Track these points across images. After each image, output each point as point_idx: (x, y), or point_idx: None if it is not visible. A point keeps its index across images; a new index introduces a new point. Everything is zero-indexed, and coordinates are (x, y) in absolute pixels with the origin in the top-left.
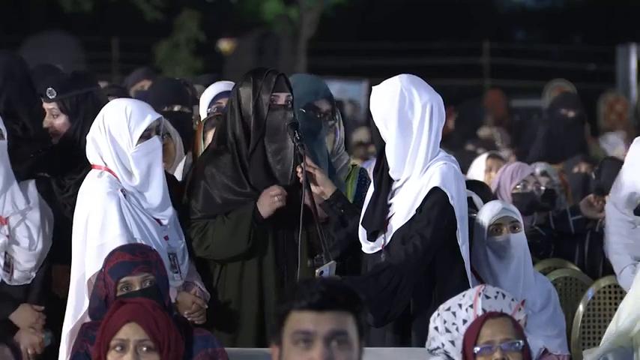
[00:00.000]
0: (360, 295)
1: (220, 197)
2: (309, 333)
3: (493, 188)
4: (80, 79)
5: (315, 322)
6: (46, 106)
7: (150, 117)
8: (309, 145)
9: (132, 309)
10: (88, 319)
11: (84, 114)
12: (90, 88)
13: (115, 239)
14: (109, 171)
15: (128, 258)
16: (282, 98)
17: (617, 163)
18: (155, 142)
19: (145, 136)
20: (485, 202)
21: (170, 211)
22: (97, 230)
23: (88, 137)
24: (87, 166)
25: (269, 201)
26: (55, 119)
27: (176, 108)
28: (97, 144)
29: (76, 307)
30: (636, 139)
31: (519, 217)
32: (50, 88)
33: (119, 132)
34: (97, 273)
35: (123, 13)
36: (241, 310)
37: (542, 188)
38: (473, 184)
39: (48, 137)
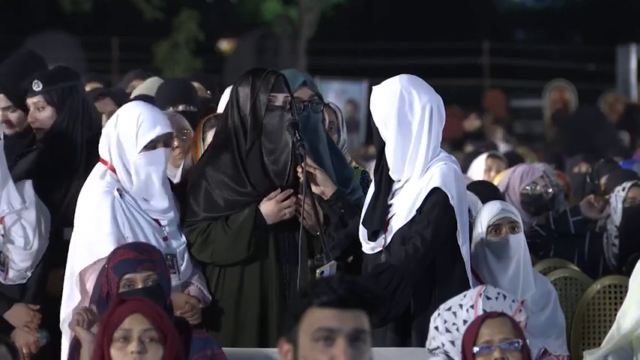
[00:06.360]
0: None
1: (221, 197)
2: (332, 330)
3: (501, 189)
4: (65, 73)
5: (338, 320)
6: (31, 100)
7: (159, 129)
8: (309, 140)
9: (134, 302)
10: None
11: (70, 107)
12: (74, 82)
13: (103, 238)
14: (113, 169)
15: (133, 255)
16: (279, 99)
17: (614, 165)
18: (159, 154)
19: (150, 146)
20: None
21: (172, 214)
22: (88, 227)
23: (103, 130)
24: (80, 166)
25: (277, 209)
26: (41, 112)
27: (180, 107)
28: (109, 139)
29: (71, 298)
30: None
31: (518, 218)
32: (36, 81)
33: (127, 136)
34: (100, 270)
35: (123, 13)
36: (243, 310)
37: (550, 191)
38: (482, 186)
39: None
